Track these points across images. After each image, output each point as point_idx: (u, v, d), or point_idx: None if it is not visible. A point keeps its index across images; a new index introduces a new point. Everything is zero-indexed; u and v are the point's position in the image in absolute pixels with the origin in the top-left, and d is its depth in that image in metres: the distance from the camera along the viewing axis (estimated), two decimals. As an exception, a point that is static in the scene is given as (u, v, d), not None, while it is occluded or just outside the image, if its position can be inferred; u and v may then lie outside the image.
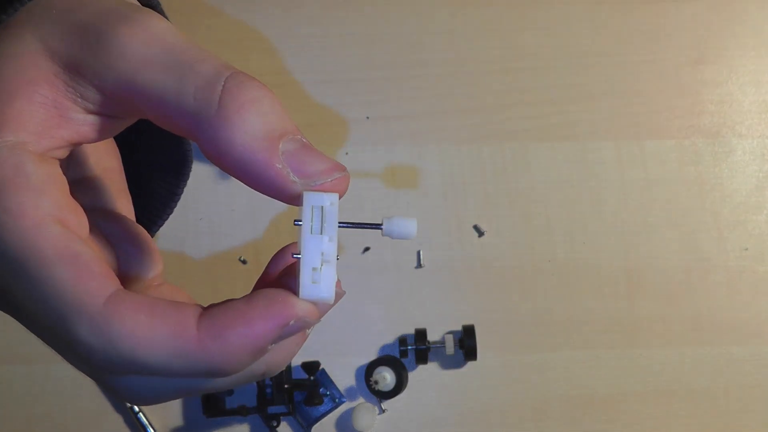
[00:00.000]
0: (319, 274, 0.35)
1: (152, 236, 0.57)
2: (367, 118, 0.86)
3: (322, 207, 0.35)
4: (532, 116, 0.87)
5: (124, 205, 0.50)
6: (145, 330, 0.35)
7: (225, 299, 0.38)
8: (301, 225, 0.35)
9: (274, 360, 0.38)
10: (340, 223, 0.36)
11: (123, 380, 0.38)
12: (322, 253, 0.35)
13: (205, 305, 0.38)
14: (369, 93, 0.86)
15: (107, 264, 0.37)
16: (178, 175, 0.56)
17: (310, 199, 0.35)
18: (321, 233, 0.35)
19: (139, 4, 0.42)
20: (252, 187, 0.36)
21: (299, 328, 0.35)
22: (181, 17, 0.86)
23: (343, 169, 0.36)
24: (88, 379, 0.40)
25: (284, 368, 0.40)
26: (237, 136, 0.35)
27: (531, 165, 0.86)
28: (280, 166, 0.35)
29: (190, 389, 0.39)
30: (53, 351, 0.39)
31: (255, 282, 0.44)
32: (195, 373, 0.35)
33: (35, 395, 0.83)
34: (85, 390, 0.82)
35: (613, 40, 0.89)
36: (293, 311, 0.35)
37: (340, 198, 0.36)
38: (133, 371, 0.36)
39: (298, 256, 0.35)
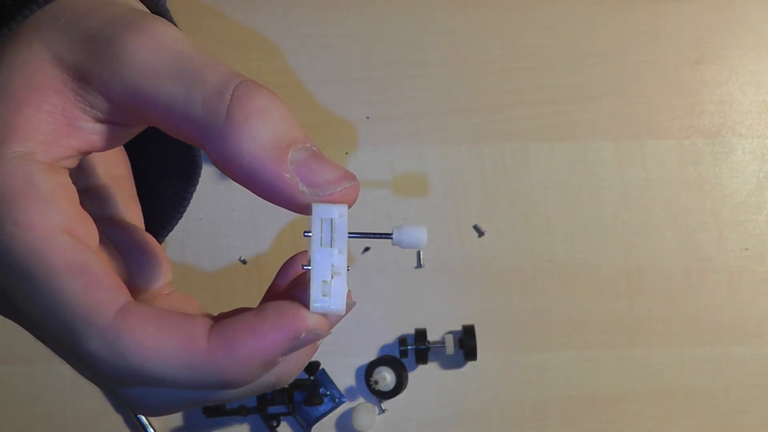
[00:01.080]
0: (330, 286, 0.35)
1: (161, 242, 0.56)
2: (367, 118, 0.86)
3: (331, 219, 0.35)
4: (532, 116, 0.87)
5: (133, 213, 0.50)
6: (156, 343, 0.35)
7: (225, 300, 0.38)
8: (310, 237, 0.35)
9: (284, 371, 0.38)
10: (350, 233, 0.36)
11: (133, 391, 0.38)
12: (332, 266, 0.35)
13: (206, 307, 0.38)
14: (369, 93, 0.86)
15: (117, 275, 0.37)
16: (187, 180, 0.56)
17: (319, 211, 0.35)
18: (331, 245, 0.35)
19: (147, 11, 0.42)
20: (261, 197, 0.36)
21: (310, 340, 0.35)
22: (182, 17, 0.85)
23: (353, 178, 0.36)
24: (88, 379, 0.40)
25: (295, 378, 0.40)
26: (245, 145, 0.34)
27: (531, 165, 0.86)
28: (289, 176, 0.34)
29: (201, 400, 0.39)
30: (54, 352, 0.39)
31: (258, 285, 0.44)
32: (205, 385, 0.35)
33: (35, 395, 0.82)
34: (85, 390, 0.82)
35: (613, 40, 0.89)
36: (304, 324, 0.34)
37: (349, 207, 0.36)
38: (144, 383, 0.36)
39: (308, 267, 0.35)
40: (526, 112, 0.87)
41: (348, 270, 0.35)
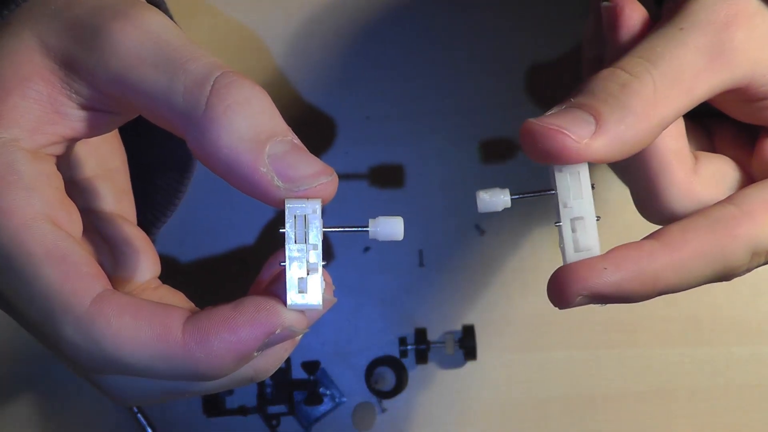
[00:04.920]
0: (305, 282, 0.35)
1: (155, 233, 0.57)
2: (367, 117, 0.86)
3: (305, 215, 0.35)
4: (532, 116, 0.86)
5: (125, 206, 0.50)
6: (130, 331, 0.35)
7: (224, 300, 0.38)
8: (285, 233, 0.35)
9: (261, 365, 0.38)
10: (325, 228, 0.36)
11: (109, 379, 0.39)
12: (307, 261, 0.35)
13: (203, 308, 0.38)
14: (369, 93, 0.86)
15: (97, 264, 0.37)
16: (182, 172, 0.56)
17: (292, 207, 0.35)
18: (305, 241, 0.35)
19: None
20: (238, 189, 0.36)
21: (286, 337, 0.35)
22: (179, 16, 0.85)
23: (330, 173, 0.36)
24: (87, 379, 0.40)
25: (274, 372, 0.40)
26: (222, 138, 0.35)
27: (531, 165, 0.85)
28: (265, 170, 0.35)
29: (177, 391, 0.39)
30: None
31: (250, 287, 0.44)
32: (180, 376, 0.35)
33: (35, 395, 0.83)
34: (85, 390, 0.83)
35: (613, 39, 0.88)
36: (279, 320, 0.35)
37: (326, 203, 0.36)
38: (119, 372, 0.36)
39: (285, 264, 0.35)
40: (527, 113, 0.86)
41: (324, 265, 0.35)
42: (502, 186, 0.46)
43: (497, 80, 0.87)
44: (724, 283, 0.82)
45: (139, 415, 0.81)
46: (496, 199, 0.44)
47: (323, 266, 0.35)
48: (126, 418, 0.82)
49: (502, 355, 0.83)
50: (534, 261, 0.84)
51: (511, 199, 0.43)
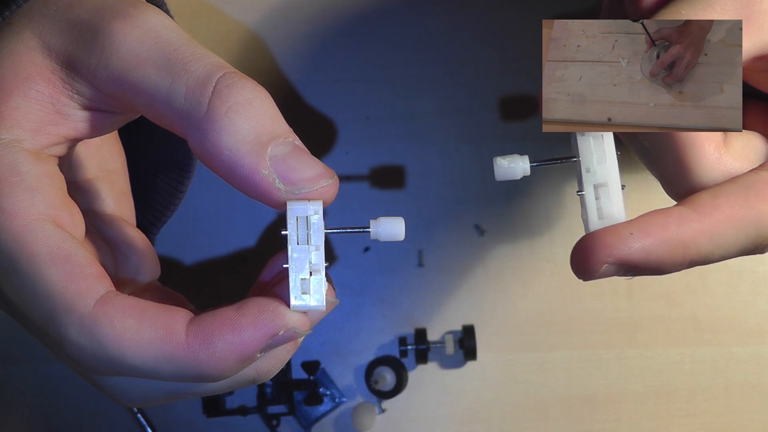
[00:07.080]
0: (309, 284, 0.35)
1: (155, 234, 0.57)
2: (368, 118, 0.86)
3: (306, 217, 0.35)
4: (532, 116, 0.86)
5: (125, 208, 0.50)
6: (134, 333, 0.35)
7: (224, 301, 0.38)
8: (287, 235, 0.35)
9: (264, 367, 0.38)
10: (327, 229, 0.36)
11: (112, 381, 0.39)
12: (310, 263, 0.35)
13: (204, 308, 0.38)
14: (369, 93, 0.86)
15: (100, 265, 0.37)
16: (182, 172, 0.56)
17: (293, 209, 0.35)
18: (307, 243, 0.35)
19: None
20: (240, 191, 0.37)
21: (289, 338, 0.35)
22: (179, 16, 0.85)
23: (331, 176, 0.36)
24: (87, 379, 0.40)
25: (276, 373, 0.40)
26: (224, 139, 0.35)
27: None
28: (266, 172, 0.35)
29: (180, 393, 0.39)
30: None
31: (252, 287, 0.44)
32: (183, 378, 0.35)
33: (35, 395, 0.83)
34: (85, 390, 0.82)
35: (613, 39, 0.88)
36: (283, 321, 0.35)
37: (326, 205, 0.36)
38: (122, 373, 0.36)
39: (288, 266, 0.35)
40: (527, 112, 0.86)
41: (327, 266, 0.35)
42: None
43: (497, 80, 0.87)
44: (724, 283, 0.83)
45: (139, 415, 0.81)
46: (514, 166, 0.42)
47: (326, 267, 0.35)
48: (126, 418, 0.82)
49: (502, 355, 0.83)
50: (534, 261, 0.84)
51: (531, 167, 0.42)
